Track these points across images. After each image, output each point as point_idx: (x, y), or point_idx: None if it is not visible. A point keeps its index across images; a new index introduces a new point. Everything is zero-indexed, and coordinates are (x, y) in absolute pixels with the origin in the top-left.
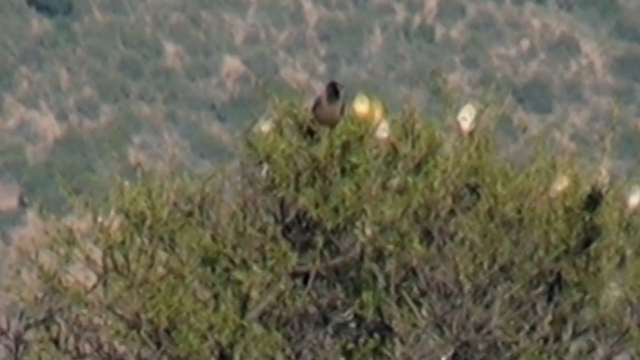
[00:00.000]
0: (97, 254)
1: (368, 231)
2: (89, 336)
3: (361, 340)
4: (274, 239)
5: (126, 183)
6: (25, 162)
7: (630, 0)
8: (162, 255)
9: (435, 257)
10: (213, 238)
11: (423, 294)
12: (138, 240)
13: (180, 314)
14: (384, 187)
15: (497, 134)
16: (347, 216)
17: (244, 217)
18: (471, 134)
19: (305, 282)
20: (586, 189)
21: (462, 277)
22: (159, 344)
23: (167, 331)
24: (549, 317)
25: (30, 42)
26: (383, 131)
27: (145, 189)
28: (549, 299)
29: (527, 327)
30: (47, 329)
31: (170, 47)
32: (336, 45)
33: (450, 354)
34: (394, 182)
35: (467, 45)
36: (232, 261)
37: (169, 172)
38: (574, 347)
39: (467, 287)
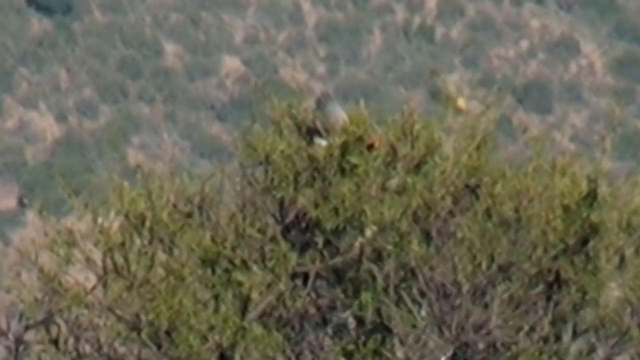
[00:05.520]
0: (97, 255)
1: (367, 232)
2: (89, 337)
3: (361, 340)
4: (273, 239)
5: (126, 184)
6: (25, 162)
7: (630, 1)
8: (162, 256)
9: (434, 257)
10: (213, 239)
11: (422, 294)
12: (138, 241)
13: (181, 315)
14: (383, 187)
15: (497, 135)
16: (346, 216)
17: (244, 218)
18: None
19: (305, 282)
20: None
21: (460, 277)
22: (159, 345)
23: (168, 332)
24: (549, 317)
25: (29, 42)
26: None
27: (144, 189)
28: (548, 299)
29: (526, 327)
30: (47, 329)
31: (170, 47)
32: (335, 45)
33: (449, 354)
34: (393, 182)
35: (467, 45)
36: (232, 262)
37: (169, 172)
38: (574, 348)
39: (466, 287)
